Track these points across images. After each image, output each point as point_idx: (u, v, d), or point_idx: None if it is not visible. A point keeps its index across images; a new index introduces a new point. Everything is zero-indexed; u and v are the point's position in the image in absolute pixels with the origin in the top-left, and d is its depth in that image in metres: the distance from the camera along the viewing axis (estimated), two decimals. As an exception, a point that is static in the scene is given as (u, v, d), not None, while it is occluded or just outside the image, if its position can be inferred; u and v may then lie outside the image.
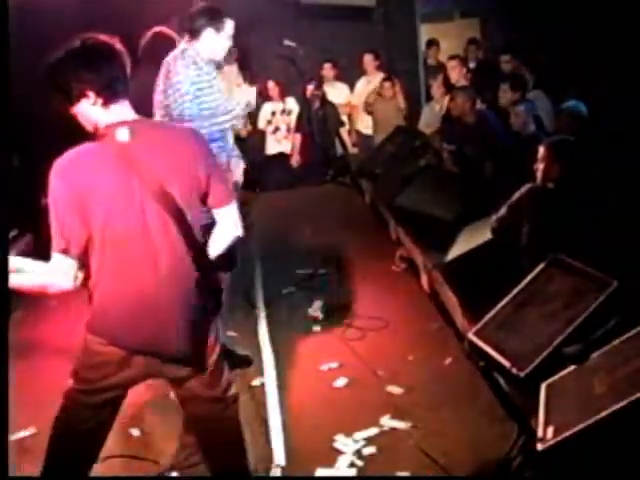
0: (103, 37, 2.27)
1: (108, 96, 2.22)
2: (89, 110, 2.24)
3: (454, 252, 4.51)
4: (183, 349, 2.30)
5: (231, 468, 2.55)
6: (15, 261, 2.25)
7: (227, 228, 2.44)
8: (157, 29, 5.47)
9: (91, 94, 2.21)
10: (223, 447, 2.53)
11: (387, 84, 7.67)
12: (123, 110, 2.27)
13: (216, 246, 2.41)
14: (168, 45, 5.47)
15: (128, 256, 2.22)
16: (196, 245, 2.32)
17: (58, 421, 2.38)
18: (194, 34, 3.73)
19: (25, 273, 2.22)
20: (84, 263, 2.24)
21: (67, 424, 2.38)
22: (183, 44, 3.75)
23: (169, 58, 3.78)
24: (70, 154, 2.21)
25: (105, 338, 2.28)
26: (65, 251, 2.17)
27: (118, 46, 2.28)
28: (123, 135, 2.21)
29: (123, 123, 2.23)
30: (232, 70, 8.04)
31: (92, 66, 2.20)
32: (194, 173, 2.29)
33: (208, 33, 3.72)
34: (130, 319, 2.25)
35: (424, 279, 4.68)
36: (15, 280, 2.21)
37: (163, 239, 2.24)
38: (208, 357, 2.39)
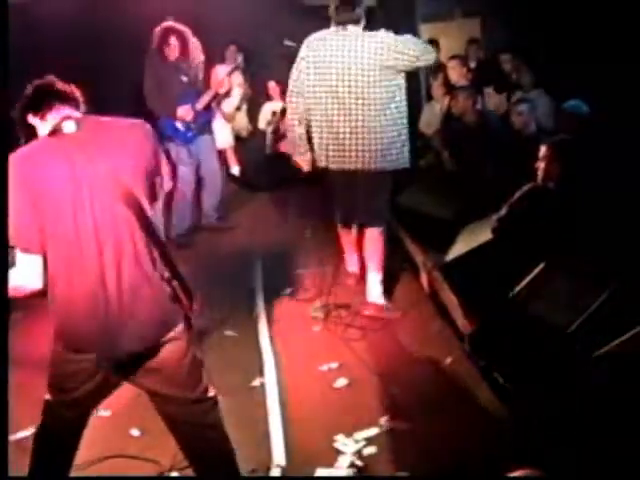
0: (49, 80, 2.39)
1: (43, 112, 2.32)
2: (40, 130, 2.34)
3: (454, 252, 4.51)
4: (141, 345, 2.24)
5: (218, 474, 2.52)
6: None
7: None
8: (167, 24, 5.50)
9: (31, 117, 2.34)
10: (208, 454, 2.48)
11: None
12: (63, 110, 2.33)
13: None
14: (179, 40, 5.52)
15: (80, 252, 2.18)
16: (154, 235, 2.27)
17: (40, 437, 2.38)
18: None
19: None
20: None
21: (49, 437, 2.38)
22: None
23: None
24: (22, 150, 2.25)
25: (69, 344, 2.24)
26: (27, 250, 2.16)
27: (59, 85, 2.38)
28: (69, 127, 2.26)
29: (68, 117, 2.28)
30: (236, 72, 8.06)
31: (29, 104, 2.36)
32: (142, 162, 2.30)
33: None
34: (86, 321, 2.20)
35: (424, 279, 4.68)
36: None
37: (116, 229, 2.20)
38: (181, 357, 2.34)
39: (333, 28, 4.27)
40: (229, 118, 8.16)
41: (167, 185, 2.50)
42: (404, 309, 4.43)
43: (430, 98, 7.69)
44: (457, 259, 4.37)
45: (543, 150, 3.91)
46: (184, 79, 5.72)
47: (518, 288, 3.54)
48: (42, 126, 2.32)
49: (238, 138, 8.31)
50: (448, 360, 3.72)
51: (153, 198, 2.34)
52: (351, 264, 4.83)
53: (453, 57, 7.52)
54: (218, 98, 6.49)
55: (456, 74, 7.20)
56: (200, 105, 5.80)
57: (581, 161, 3.83)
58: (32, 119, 2.34)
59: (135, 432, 3.26)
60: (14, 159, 2.21)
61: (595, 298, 3.14)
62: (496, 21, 8.45)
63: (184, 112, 5.69)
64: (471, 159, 5.79)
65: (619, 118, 5.10)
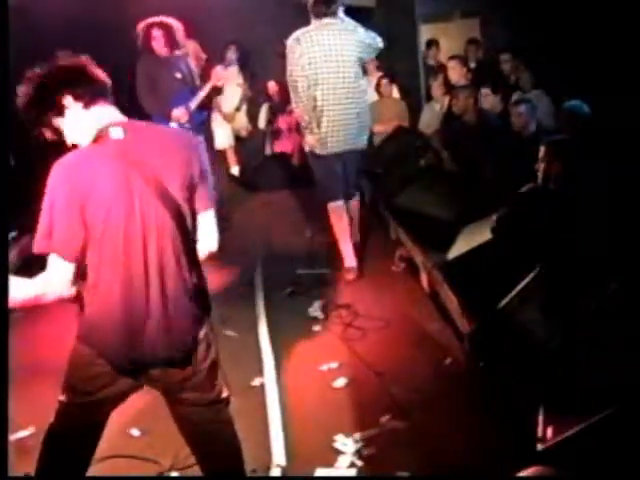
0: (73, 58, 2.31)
1: (87, 99, 2.24)
2: (72, 118, 2.25)
3: (454, 252, 4.51)
4: (176, 354, 2.26)
5: (228, 472, 2.52)
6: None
7: (204, 239, 2.39)
8: (149, 20, 5.44)
9: (69, 99, 2.23)
10: (220, 452, 2.49)
11: (384, 81, 7.69)
12: (108, 112, 2.28)
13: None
14: (164, 33, 5.45)
15: (127, 259, 2.17)
16: (192, 245, 2.30)
17: (51, 440, 2.34)
18: None
19: (18, 287, 2.15)
20: (80, 269, 2.18)
21: (61, 441, 2.34)
22: None
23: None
24: (68, 157, 2.19)
25: (99, 349, 2.22)
26: (63, 255, 2.12)
27: (88, 64, 2.31)
28: (117, 133, 2.21)
29: (115, 123, 2.24)
30: (232, 70, 8.06)
31: (69, 79, 2.24)
32: (187, 173, 2.28)
33: None
34: (125, 328, 2.19)
35: (424, 279, 4.69)
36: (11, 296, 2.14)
37: (162, 239, 2.21)
38: (203, 360, 2.35)
39: (313, 23, 4.89)
40: (229, 118, 8.17)
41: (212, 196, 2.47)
42: (404, 309, 4.43)
43: (430, 98, 7.70)
44: (457, 259, 4.37)
45: (543, 150, 3.91)
46: (177, 75, 5.59)
47: (517, 289, 3.54)
48: (83, 116, 2.25)
49: (238, 138, 8.32)
50: (448, 360, 3.72)
51: (200, 208, 2.34)
52: (348, 257, 5.09)
53: (453, 57, 7.53)
54: (212, 94, 6.42)
55: (456, 74, 7.20)
56: (194, 103, 5.71)
57: (581, 161, 3.83)
58: (69, 101, 2.24)
59: (135, 432, 3.26)
60: (62, 166, 2.15)
61: (595, 298, 3.14)
62: (496, 21, 8.46)
63: (179, 114, 5.59)
64: (471, 159, 5.79)
65: (619, 118, 5.10)
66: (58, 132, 2.30)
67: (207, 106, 6.17)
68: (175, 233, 2.23)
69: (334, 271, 5.15)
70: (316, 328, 4.30)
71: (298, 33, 4.92)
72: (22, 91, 2.25)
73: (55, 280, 2.15)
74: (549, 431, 2.63)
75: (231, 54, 7.99)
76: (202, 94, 5.74)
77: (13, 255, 5.13)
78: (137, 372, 2.28)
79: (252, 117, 8.28)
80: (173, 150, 2.29)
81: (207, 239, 2.39)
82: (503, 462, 2.70)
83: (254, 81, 8.08)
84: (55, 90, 2.24)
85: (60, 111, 2.25)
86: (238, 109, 8.19)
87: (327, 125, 4.90)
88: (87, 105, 2.25)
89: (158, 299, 2.20)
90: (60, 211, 2.12)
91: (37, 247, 2.13)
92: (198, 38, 6.96)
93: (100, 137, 2.22)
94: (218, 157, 8.43)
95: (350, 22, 4.97)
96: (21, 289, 2.15)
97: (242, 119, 8.26)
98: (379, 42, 5.03)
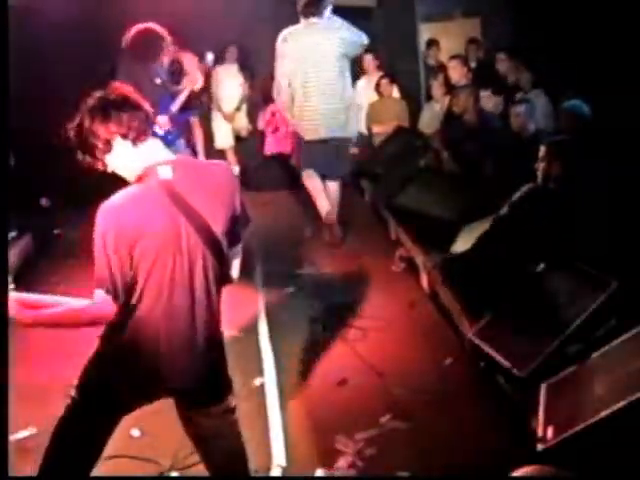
0: (118, 87, 2.32)
1: (135, 136, 2.22)
2: (120, 155, 2.24)
3: (454, 251, 4.51)
4: (206, 386, 2.36)
5: (231, 469, 2.54)
6: (44, 298, 2.27)
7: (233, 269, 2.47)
8: (142, 26, 5.43)
9: (117, 138, 2.21)
10: (223, 450, 2.51)
11: (384, 81, 7.70)
12: (156, 149, 2.28)
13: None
14: (155, 42, 5.44)
15: (172, 297, 2.21)
16: (222, 286, 2.36)
17: (59, 435, 2.34)
18: None
19: (63, 308, 2.22)
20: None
21: (70, 437, 2.34)
22: None
23: None
24: (117, 196, 2.18)
25: (129, 374, 2.26)
26: (108, 291, 2.14)
27: (132, 93, 2.30)
28: (166, 172, 2.20)
29: (164, 162, 2.23)
30: (232, 70, 8.06)
31: (113, 115, 2.20)
32: (231, 208, 2.32)
33: None
34: (162, 359, 2.25)
35: (424, 279, 4.68)
36: (56, 316, 2.23)
37: (204, 280, 2.25)
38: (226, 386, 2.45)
39: (301, 22, 5.38)
40: (229, 118, 8.17)
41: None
42: (404, 309, 4.43)
43: (430, 98, 7.70)
44: (457, 259, 4.37)
45: (543, 150, 3.91)
46: (157, 81, 5.57)
47: (517, 288, 3.55)
48: (130, 152, 2.24)
49: (238, 138, 8.32)
50: (448, 360, 3.72)
51: (233, 242, 2.38)
52: (325, 207, 5.74)
53: (454, 57, 7.52)
54: (193, 96, 6.45)
55: (457, 74, 7.20)
56: (176, 107, 5.72)
57: (581, 161, 3.83)
58: (118, 140, 2.22)
59: (135, 432, 3.26)
60: (110, 208, 2.15)
61: (595, 298, 3.14)
62: (496, 21, 8.45)
63: (163, 121, 5.55)
64: (471, 159, 5.79)
65: (619, 118, 5.10)
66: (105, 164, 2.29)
67: (187, 108, 6.21)
68: (216, 269, 2.28)
69: (334, 271, 5.14)
70: (316, 328, 4.29)
71: (285, 32, 5.43)
72: (71, 125, 2.24)
73: (101, 315, 2.18)
74: (549, 431, 2.63)
75: (231, 54, 7.99)
76: (182, 97, 5.77)
77: (13, 255, 5.13)
78: (158, 395, 2.35)
79: (252, 117, 8.27)
80: (219, 187, 2.31)
81: (232, 271, 2.47)
82: (503, 462, 2.71)
83: (254, 81, 8.07)
84: (102, 128, 2.20)
85: (108, 148, 2.23)
86: (238, 109, 8.18)
87: (311, 115, 5.45)
88: (135, 142, 2.23)
89: (199, 332, 2.28)
90: (108, 250, 2.12)
91: (96, 285, 2.16)
92: (198, 38, 6.97)
93: (147, 175, 2.21)
94: (218, 157, 8.46)
95: (336, 21, 5.41)
96: (68, 316, 2.23)
97: (242, 119, 8.26)
98: (364, 39, 5.45)
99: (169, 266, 2.19)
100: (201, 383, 2.34)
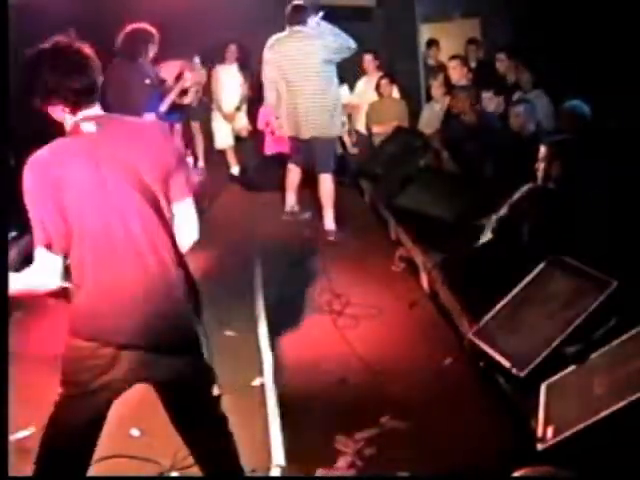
0: (72, 41, 2.26)
1: (75, 107, 2.24)
2: (58, 114, 2.27)
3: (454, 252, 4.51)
4: (171, 339, 2.28)
5: (226, 470, 2.52)
6: None
7: (184, 228, 2.37)
8: (135, 25, 5.44)
9: (58, 103, 2.23)
10: (212, 453, 2.49)
11: (384, 81, 7.70)
12: (90, 111, 2.28)
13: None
14: (141, 39, 5.46)
15: (109, 248, 2.20)
16: (171, 234, 2.31)
17: (50, 435, 2.34)
18: None
19: (11, 279, 2.20)
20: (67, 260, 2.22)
21: (62, 435, 2.33)
22: None
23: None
24: (42, 151, 2.21)
25: (92, 338, 2.24)
26: (48, 246, 2.16)
27: (88, 51, 2.28)
28: (89, 127, 2.23)
29: (88, 118, 2.25)
30: (232, 69, 8.06)
31: (62, 76, 2.20)
32: (163, 163, 2.29)
33: None
34: (118, 313, 2.22)
35: (424, 279, 4.68)
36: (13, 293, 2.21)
37: (142, 227, 2.23)
38: (192, 354, 2.36)
39: (287, 30, 5.74)
40: (229, 118, 8.17)
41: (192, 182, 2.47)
42: (404, 309, 4.43)
43: (430, 98, 7.70)
44: (457, 259, 4.38)
45: (543, 150, 3.91)
46: (147, 81, 5.58)
47: (518, 288, 3.55)
48: (70, 118, 2.26)
49: (238, 138, 8.32)
50: (448, 360, 3.72)
51: (177, 197, 2.33)
52: (289, 204, 6.30)
53: (454, 57, 7.53)
54: (183, 95, 6.47)
55: (457, 74, 7.20)
56: (164, 107, 5.73)
57: (581, 161, 3.83)
58: (59, 111, 2.25)
59: (135, 432, 3.26)
60: (33, 163, 2.18)
61: (595, 298, 3.14)
62: (496, 21, 8.46)
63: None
64: (471, 159, 5.79)
65: (619, 118, 5.10)
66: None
67: (176, 108, 6.23)
68: (154, 221, 2.24)
69: (334, 271, 5.14)
70: (316, 328, 4.29)
71: (272, 40, 5.80)
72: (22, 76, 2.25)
73: (44, 273, 2.19)
74: (549, 431, 2.63)
75: (231, 54, 7.99)
76: (171, 97, 5.79)
77: (13, 255, 5.13)
78: (131, 358, 2.27)
79: (252, 117, 8.27)
80: (148, 141, 2.30)
81: (186, 228, 2.38)
82: (503, 462, 2.71)
83: (254, 81, 8.07)
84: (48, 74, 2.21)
85: (46, 98, 2.25)
86: (238, 109, 8.18)
87: (295, 117, 5.82)
88: (74, 111, 2.25)
89: (144, 287, 2.23)
90: (38, 204, 2.16)
91: (35, 243, 2.18)
92: (198, 38, 6.98)
93: (72, 130, 2.24)
94: (218, 157, 8.46)
95: (324, 27, 5.70)
96: (13, 281, 2.20)
97: (242, 119, 8.26)
98: (351, 44, 5.69)
99: (100, 218, 2.18)
100: (161, 336, 2.26)
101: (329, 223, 6.02)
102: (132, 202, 2.22)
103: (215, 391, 2.48)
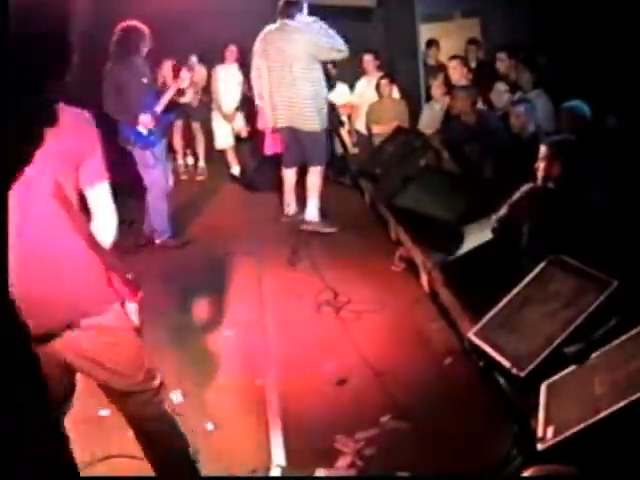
0: None
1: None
2: None
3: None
4: (67, 322, 2.21)
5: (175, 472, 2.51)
6: None
7: (100, 213, 2.27)
8: (125, 24, 5.44)
9: None
10: (157, 451, 2.49)
11: (384, 81, 7.70)
12: None
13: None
14: (139, 38, 5.46)
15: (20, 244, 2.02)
16: (77, 219, 2.19)
17: None
18: None
19: None
20: None
21: None
22: None
23: None
24: None
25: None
26: None
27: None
28: None
29: None
30: (232, 69, 8.06)
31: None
32: (73, 149, 2.18)
33: None
34: (29, 303, 2.04)
35: (424, 279, 4.68)
36: None
37: (39, 208, 2.11)
38: (114, 345, 2.30)
39: (278, 21, 5.90)
40: (229, 118, 8.17)
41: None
42: (404, 309, 4.43)
43: (430, 98, 7.70)
44: (457, 259, 4.38)
45: (543, 150, 3.91)
46: (143, 80, 5.53)
47: (518, 288, 3.55)
48: None
49: (238, 138, 8.31)
50: (448, 360, 3.72)
51: (88, 183, 2.23)
52: (287, 205, 6.32)
53: (454, 57, 7.52)
54: (178, 95, 6.46)
55: (457, 74, 7.20)
56: (160, 107, 5.71)
57: (581, 161, 3.83)
58: None
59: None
60: None
61: (595, 298, 3.14)
62: (496, 21, 8.46)
63: (146, 120, 5.52)
64: (471, 159, 5.79)
65: (619, 118, 5.10)
66: None
67: (172, 108, 6.23)
68: (53, 203, 2.13)
69: (334, 271, 5.14)
70: (316, 328, 4.30)
71: (262, 32, 5.99)
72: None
73: None
74: (549, 431, 2.63)
75: (231, 53, 7.99)
76: (167, 97, 5.77)
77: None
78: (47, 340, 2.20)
79: (252, 117, 8.27)
80: (56, 128, 2.12)
81: (102, 215, 2.29)
82: (503, 462, 2.71)
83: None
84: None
85: None
86: (238, 109, 8.18)
87: (276, 107, 6.00)
88: None
89: (52, 274, 2.15)
90: None
91: None
92: (198, 37, 6.97)
93: None
94: (218, 157, 8.47)
95: (314, 24, 5.82)
96: None
97: (242, 119, 8.25)
98: (340, 45, 5.77)
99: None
100: (63, 319, 2.19)
101: (310, 213, 6.13)
102: (43, 198, 2.10)
103: (155, 381, 2.45)
